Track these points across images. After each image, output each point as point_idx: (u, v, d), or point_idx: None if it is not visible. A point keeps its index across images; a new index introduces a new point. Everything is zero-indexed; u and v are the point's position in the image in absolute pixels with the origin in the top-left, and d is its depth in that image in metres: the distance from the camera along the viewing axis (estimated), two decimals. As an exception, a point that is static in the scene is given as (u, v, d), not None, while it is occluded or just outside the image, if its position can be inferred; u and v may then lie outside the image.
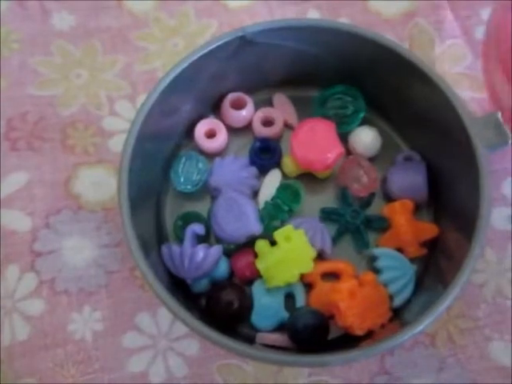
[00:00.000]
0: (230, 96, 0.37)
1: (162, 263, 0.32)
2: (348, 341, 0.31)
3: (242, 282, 0.34)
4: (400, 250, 0.34)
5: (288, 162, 0.36)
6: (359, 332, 0.31)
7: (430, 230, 0.35)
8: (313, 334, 0.31)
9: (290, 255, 0.32)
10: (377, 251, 0.34)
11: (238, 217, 0.32)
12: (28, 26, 0.43)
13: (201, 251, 0.32)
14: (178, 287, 0.32)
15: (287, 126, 0.38)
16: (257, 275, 0.33)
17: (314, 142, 0.34)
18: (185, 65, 0.33)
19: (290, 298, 0.33)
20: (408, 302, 0.33)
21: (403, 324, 0.30)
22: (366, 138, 0.36)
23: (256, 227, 0.33)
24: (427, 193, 0.35)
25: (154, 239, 0.34)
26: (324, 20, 0.39)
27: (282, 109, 0.38)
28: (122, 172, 0.30)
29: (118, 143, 0.38)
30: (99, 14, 0.43)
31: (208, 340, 0.28)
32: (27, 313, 0.35)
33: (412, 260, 0.34)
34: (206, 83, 0.36)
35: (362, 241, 0.35)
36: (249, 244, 0.33)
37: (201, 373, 0.34)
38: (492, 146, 0.31)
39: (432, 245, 0.35)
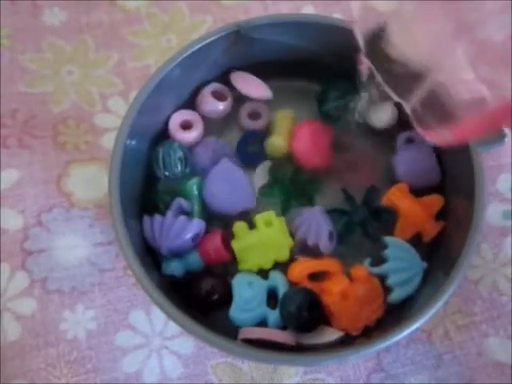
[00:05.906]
0: (213, 86, 0.36)
1: (155, 260, 0.32)
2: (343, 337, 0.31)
3: (210, 266, 0.33)
4: (419, 233, 0.33)
5: (273, 142, 0.35)
6: (355, 332, 0.31)
7: (435, 200, 0.34)
8: (305, 313, 0.30)
9: (267, 241, 0.31)
10: (387, 239, 0.33)
11: (234, 190, 0.32)
12: (18, 22, 0.42)
13: (182, 219, 0.31)
14: (171, 285, 0.32)
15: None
16: (224, 259, 0.32)
17: (315, 143, 0.35)
18: (178, 60, 0.32)
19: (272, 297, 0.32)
20: (411, 298, 0.32)
21: (400, 321, 0.29)
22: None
23: (250, 202, 0.32)
24: (440, 174, 0.34)
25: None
26: (319, 16, 0.38)
27: (243, 84, 0.36)
28: (112, 168, 0.30)
29: (111, 140, 0.37)
30: (91, 10, 0.43)
31: (201, 340, 0.28)
32: (18, 312, 0.34)
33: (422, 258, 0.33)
34: (201, 79, 0.35)
35: (371, 236, 0.34)
36: (218, 227, 0.33)
37: (195, 372, 0.33)
38: (488, 144, 0.31)
39: (435, 242, 0.34)
